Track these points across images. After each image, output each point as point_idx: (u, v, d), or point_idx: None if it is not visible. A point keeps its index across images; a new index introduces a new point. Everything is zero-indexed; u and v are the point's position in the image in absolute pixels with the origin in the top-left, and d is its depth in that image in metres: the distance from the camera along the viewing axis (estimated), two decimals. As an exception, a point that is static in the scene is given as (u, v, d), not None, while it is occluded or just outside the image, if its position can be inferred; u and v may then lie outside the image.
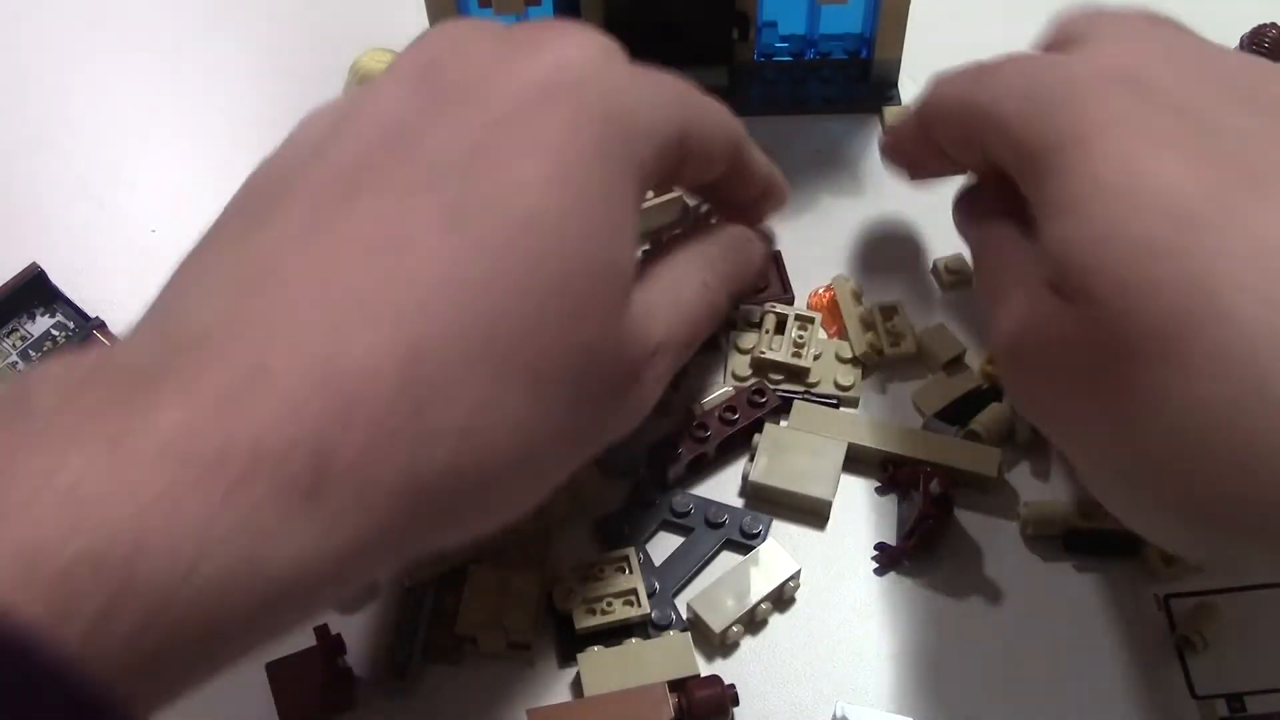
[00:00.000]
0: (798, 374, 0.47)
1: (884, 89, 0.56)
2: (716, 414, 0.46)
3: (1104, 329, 0.32)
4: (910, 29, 0.54)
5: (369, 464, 0.27)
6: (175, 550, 0.24)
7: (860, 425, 0.46)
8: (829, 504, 0.44)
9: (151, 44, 0.60)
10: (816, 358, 0.47)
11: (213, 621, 0.25)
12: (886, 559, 0.43)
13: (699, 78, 0.56)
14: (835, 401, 0.47)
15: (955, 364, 0.48)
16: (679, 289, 0.40)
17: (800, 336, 0.48)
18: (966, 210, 0.44)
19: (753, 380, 0.47)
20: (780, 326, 0.48)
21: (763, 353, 0.47)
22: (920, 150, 0.45)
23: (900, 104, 0.56)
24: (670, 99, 0.38)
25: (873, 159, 0.55)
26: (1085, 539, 0.43)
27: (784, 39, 0.57)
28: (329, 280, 0.29)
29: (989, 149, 0.38)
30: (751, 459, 0.45)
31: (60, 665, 0.22)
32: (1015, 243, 0.39)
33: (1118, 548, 0.43)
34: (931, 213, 0.53)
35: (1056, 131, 0.34)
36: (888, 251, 0.52)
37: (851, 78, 0.57)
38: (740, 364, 0.47)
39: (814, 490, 0.44)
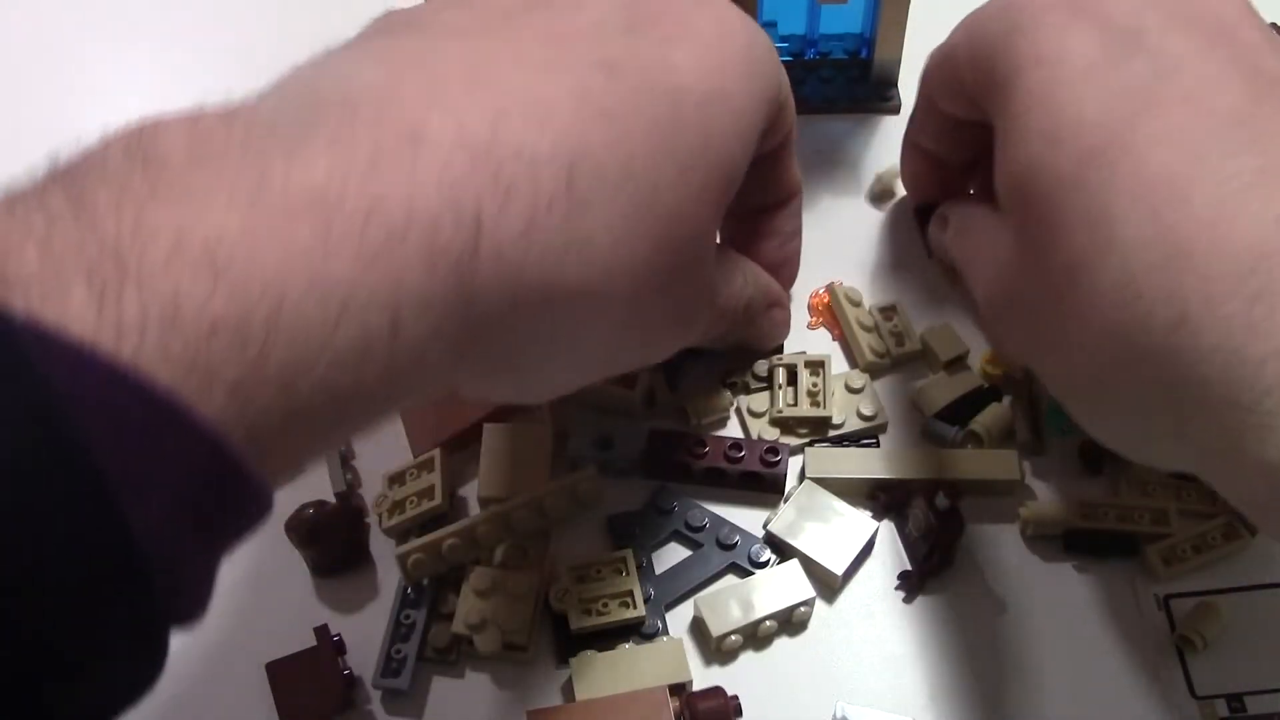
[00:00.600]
0: (820, 424, 0.46)
1: (884, 89, 0.56)
2: (724, 445, 0.44)
3: (1037, 257, 0.34)
4: (910, 29, 0.54)
5: (521, 250, 0.27)
6: (317, 314, 0.23)
7: (878, 459, 0.45)
8: (838, 578, 0.43)
9: (152, 44, 0.60)
10: (832, 395, 0.46)
11: (342, 393, 0.24)
12: (910, 585, 0.43)
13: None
14: (875, 440, 0.46)
15: (957, 363, 0.47)
16: (726, 277, 0.41)
17: (814, 384, 0.46)
18: (940, 220, 0.46)
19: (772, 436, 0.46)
20: (792, 379, 0.46)
21: (780, 411, 0.46)
22: (930, 136, 0.46)
23: (900, 106, 0.56)
24: (778, 60, 0.39)
25: (872, 159, 0.54)
26: (1085, 539, 0.43)
27: (784, 39, 0.56)
28: (491, 74, 0.28)
29: (966, 99, 0.40)
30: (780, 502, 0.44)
31: (205, 435, 0.21)
32: (983, 213, 0.41)
33: (1117, 548, 0.43)
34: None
35: (995, 73, 0.36)
36: (888, 251, 0.52)
37: (851, 78, 0.57)
38: (760, 426, 0.46)
39: (826, 562, 0.43)
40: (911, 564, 0.43)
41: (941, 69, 0.42)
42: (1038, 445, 0.45)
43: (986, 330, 0.39)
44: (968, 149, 0.45)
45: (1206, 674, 0.41)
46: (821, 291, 0.49)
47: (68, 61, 0.60)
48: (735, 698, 0.40)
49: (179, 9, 0.62)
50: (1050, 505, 0.44)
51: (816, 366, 0.47)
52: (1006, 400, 0.46)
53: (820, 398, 0.46)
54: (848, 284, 0.50)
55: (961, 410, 0.46)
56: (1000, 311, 0.38)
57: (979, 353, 0.48)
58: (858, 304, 0.49)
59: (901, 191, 0.53)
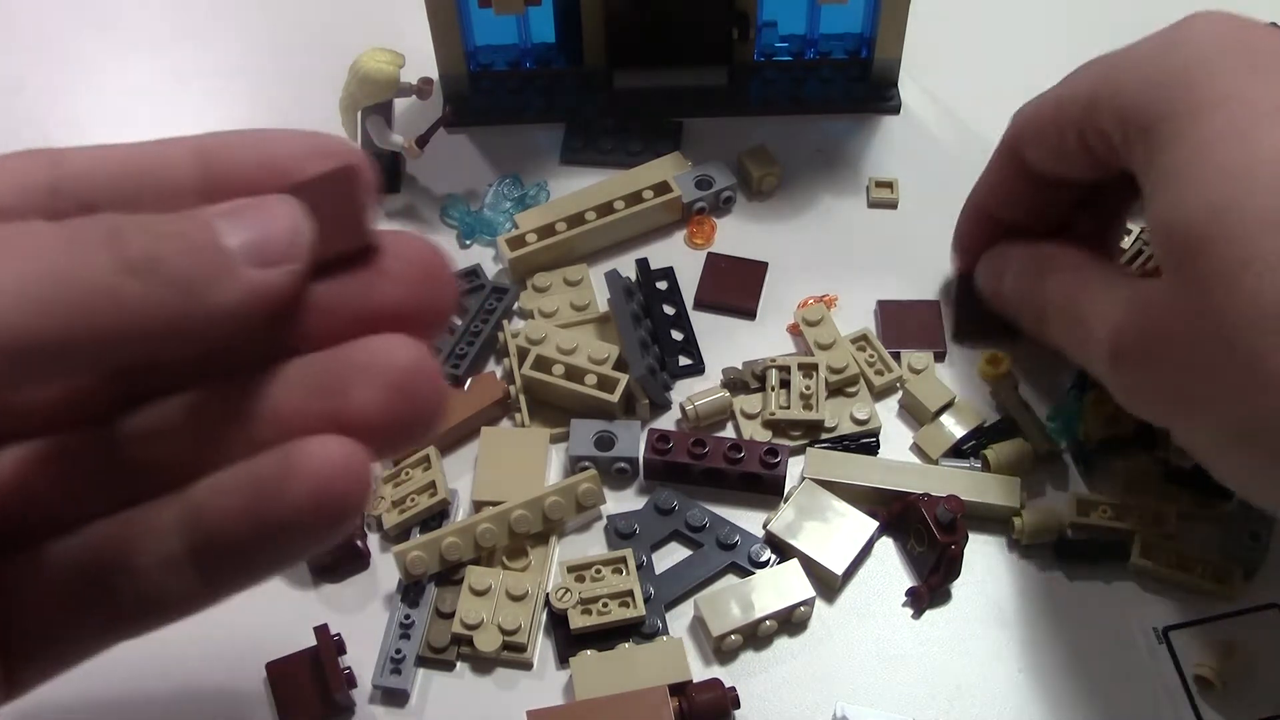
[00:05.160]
0: (813, 427, 0.46)
1: (884, 89, 0.56)
2: (724, 445, 0.44)
3: (1217, 300, 0.32)
4: (910, 29, 0.54)
5: None
6: None
7: (878, 468, 0.45)
8: (838, 578, 0.43)
9: (152, 44, 0.60)
10: (825, 398, 0.46)
11: None
12: (918, 600, 0.43)
13: (699, 78, 0.57)
14: (874, 442, 0.46)
15: (946, 409, 0.46)
16: None
17: (807, 386, 0.46)
18: (995, 265, 0.45)
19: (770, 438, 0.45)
20: (785, 381, 0.46)
21: (773, 414, 0.46)
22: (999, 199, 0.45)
23: (900, 106, 0.56)
24: None
25: (872, 159, 0.55)
26: (1077, 546, 0.43)
27: (784, 39, 0.57)
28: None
29: (1096, 138, 0.38)
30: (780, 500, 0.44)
31: None
32: (1089, 263, 0.39)
33: (1109, 552, 0.43)
34: (931, 210, 0.53)
35: (1172, 104, 0.35)
36: (887, 251, 0.52)
37: (851, 78, 0.57)
38: (753, 428, 0.46)
39: (826, 562, 0.43)
40: (916, 578, 0.43)
41: (1057, 122, 0.40)
42: (1049, 446, 0.45)
43: (1111, 380, 0.37)
44: (1052, 212, 0.43)
45: (1214, 703, 0.40)
46: (812, 302, 0.49)
47: (69, 62, 0.60)
48: (733, 689, 0.40)
49: (179, 9, 0.62)
50: (1045, 511, 0.43)
51: (810, 369, 0.46)
52: (1021, 436, 0.45)
53: (813, 400, 0.46)
54: (843, 289, 0.50)
55: (964, 448, 0.45)
56: (1138, 362, 0.36)
57: (966, 382, 0.48)
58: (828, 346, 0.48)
59: (898, 196, 0.53)
